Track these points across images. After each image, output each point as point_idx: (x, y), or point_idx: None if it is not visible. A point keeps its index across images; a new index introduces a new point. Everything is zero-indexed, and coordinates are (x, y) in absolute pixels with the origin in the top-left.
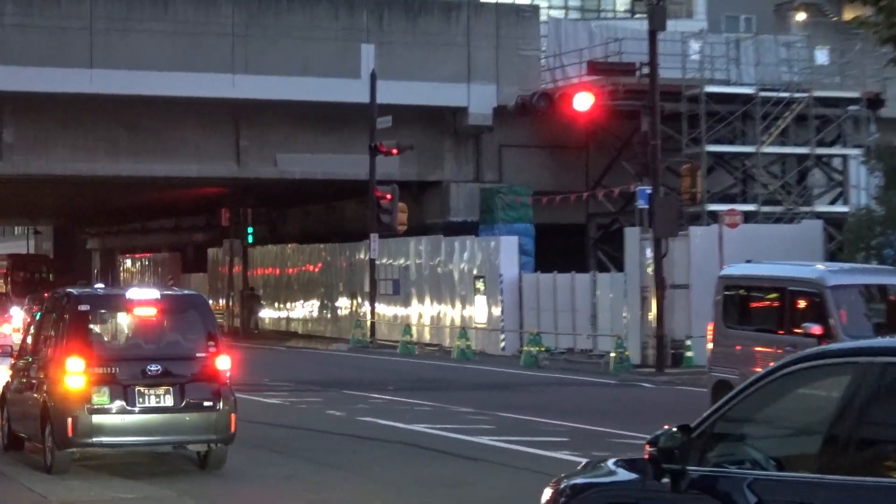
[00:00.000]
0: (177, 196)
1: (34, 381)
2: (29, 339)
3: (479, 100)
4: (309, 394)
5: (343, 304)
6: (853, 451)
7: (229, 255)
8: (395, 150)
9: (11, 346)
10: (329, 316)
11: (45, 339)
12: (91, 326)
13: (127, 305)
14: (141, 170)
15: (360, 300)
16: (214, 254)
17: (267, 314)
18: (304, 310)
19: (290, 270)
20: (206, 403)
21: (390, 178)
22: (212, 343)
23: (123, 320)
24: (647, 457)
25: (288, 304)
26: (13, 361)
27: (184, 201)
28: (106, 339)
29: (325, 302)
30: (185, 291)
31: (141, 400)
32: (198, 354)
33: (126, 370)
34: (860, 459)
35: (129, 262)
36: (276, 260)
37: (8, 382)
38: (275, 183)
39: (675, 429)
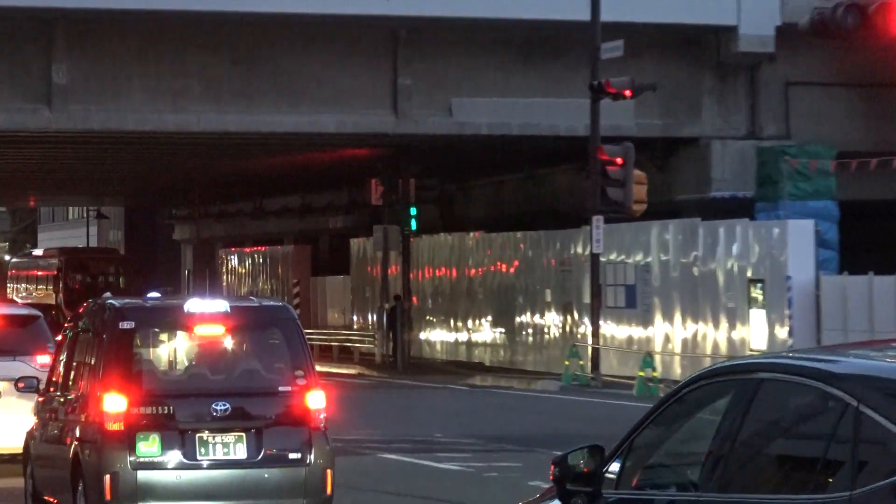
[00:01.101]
0: (305, 162)
1: (63, 426)
2: (61, 368)
3: (755, 15)
4: (502, 456)
5: (551, 321)
6: (732, 471)
7: (382, 247)
8: (628, 92)
9: (38, 380)
10: (530, 340)
11: (79, 369)
12: (137, 351)
13: (186, 322)
14: (252, 123)
15: (576, 316)
16: (360, 246)
17: (437, 336)
18: (493, 330)
19: (472, 271)
20: (293, 456)
21: (622, 133)
22: (300, 373)
23: (181, 342)
24: (551, 478)
25: (469, 322)
26: (40, 400)
27: (316, 170)
28: (157, 367)
29: (524, 318)
30: (266, 302)
31: (203, 451)
32: (281, 388)
33: (184, 410)
34: (739, 478)
35: (234, 260)
36: (450, 256)
37: (32, 429)
38: (449, 141)
39: (585, 449)
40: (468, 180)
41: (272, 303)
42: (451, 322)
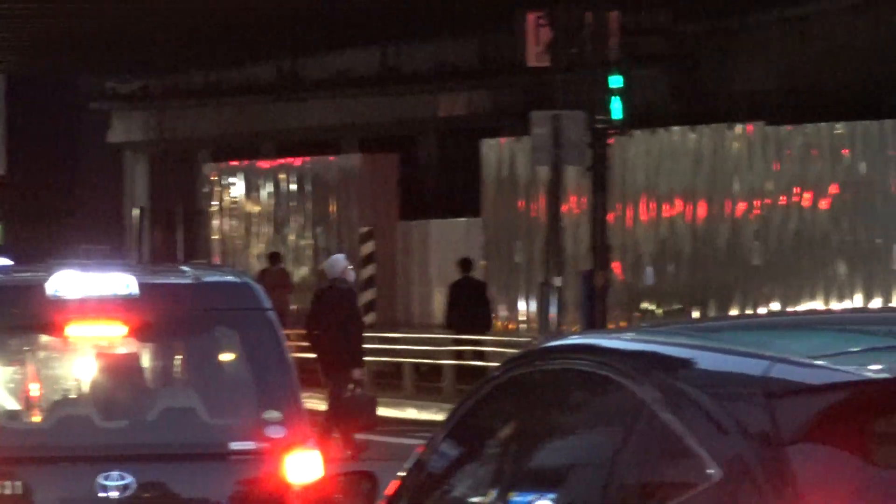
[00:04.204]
0: None
1: None
2: None
3: None
4: None
5: None
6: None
7: (551, 160)
8: None
9: None
10: None
11: None
12: None
13: (50, 315)
14: None
15: None
16: (501, 156)
17: None
18: None
19: (741, 207)
20: None
21: None
22: (274, 415)
23: (43, 355)
24: None
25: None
26: None
27: None
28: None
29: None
30: (212, 276)
31: None
32: (236, 446)
33: (44, 490)
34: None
35: (238, 187)
36: (696, 174)
37: None
38: None
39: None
40: (737, 13)
41: (223, 278)
42: (697, 316)
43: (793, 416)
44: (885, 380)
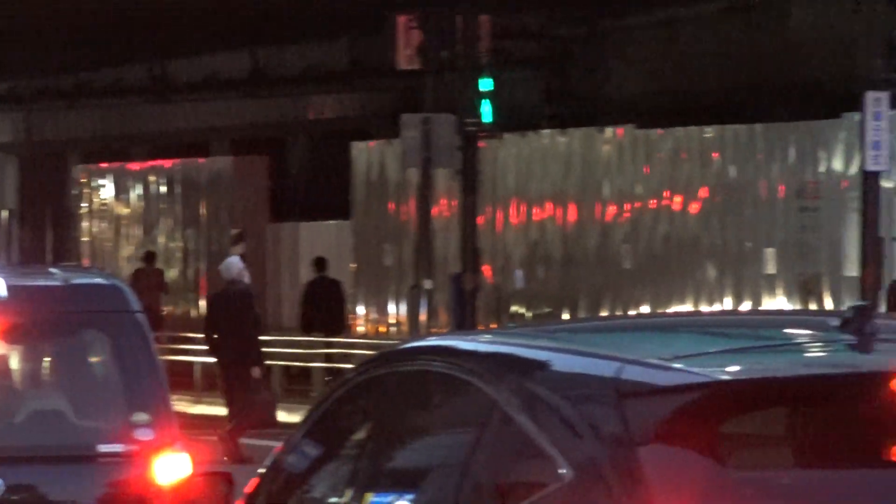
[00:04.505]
0: None
1: None
2: None
3: None
4: None
5: None
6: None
7: (420, 162)
8: None
9: None
10: None
11: None
12: None
13: None
14: None
15: (828, 305)
16: (371, 158)
17: None
18: None
19: (611, 211)
20: None
21: None
22: (142, 417)
23: None
24: None
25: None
26: None
27: None
28: None
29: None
30: (80, 279)
31: None
32: (104, 448)
33: None
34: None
35: (108, 189)
36: (566, 177)
37: None
38: None
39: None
40: (608, 16)
41: (92, 280)
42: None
43: (643, 418)
44: (734, 381)
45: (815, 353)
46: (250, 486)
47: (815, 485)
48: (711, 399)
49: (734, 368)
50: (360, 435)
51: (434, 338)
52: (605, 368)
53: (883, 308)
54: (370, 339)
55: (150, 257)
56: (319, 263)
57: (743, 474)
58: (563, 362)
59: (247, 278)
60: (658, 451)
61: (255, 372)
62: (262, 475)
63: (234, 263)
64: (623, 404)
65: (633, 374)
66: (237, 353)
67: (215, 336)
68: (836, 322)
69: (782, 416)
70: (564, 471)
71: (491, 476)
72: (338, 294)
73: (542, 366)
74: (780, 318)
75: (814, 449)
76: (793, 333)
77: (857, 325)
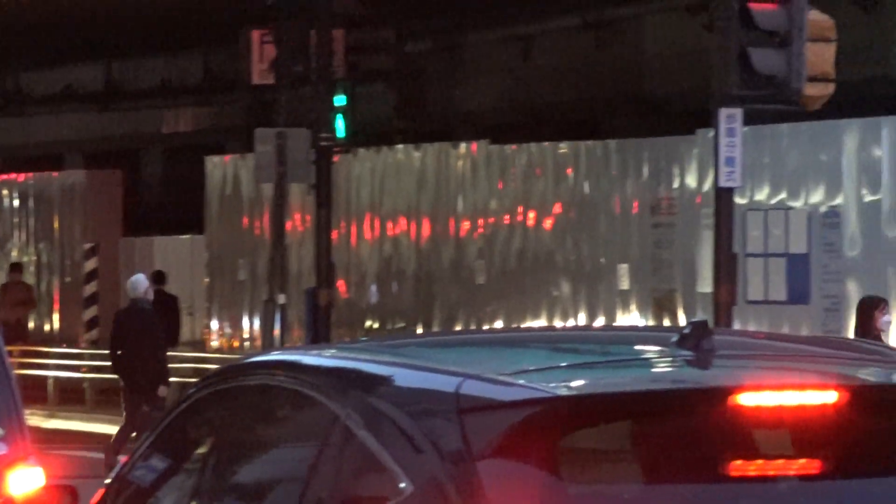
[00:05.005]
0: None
1: None
2: None
3: None
4: None
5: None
6: None
7: (274, 177)
8: None
9: None
10: None
11: None
12: None
13: None
14: None
15: (682, 320)
16: (225, 172)
17: None
18: None
19: (466, 226)
20: None
21: None
22: None
23: None
24: None
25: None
26: None
27: (132, 6)
28: None
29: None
30: None
31: None
32: None
33: None
34: None
35: None
36: (420, 193)
37: None
38: None
39: None
40: (462, 31)
41: None
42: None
43: (482, 432)
44: (573, 396)
45: (653, 368)
46: (95, 497)
47: (653, 499)
48: (549, 413)
49: (575, 383)
50: (205, 449)
51: (278, 352)
52: (445, 383)
53: (851, 326)
54: (224, 353)
55: (15, 269)
56: (158, 276)
57: (581, 488)
58: (405, 377)
59: (151, 296)
60: (496, 466)
61: (162, 391)
62: (107, 486)
63: (140, 281)
64: (462, 419)
65: (472, 388)
66: (142, 371)
67: (119, 353)
68: (675, 338)
69: (621, 431)
70: (405, 485)
71: (333, 491)
72: (174, 307)
73: (384, 381)
74: (626, 334)
75: (652, 464)
76: (635, 349)
77: (694, 341)
